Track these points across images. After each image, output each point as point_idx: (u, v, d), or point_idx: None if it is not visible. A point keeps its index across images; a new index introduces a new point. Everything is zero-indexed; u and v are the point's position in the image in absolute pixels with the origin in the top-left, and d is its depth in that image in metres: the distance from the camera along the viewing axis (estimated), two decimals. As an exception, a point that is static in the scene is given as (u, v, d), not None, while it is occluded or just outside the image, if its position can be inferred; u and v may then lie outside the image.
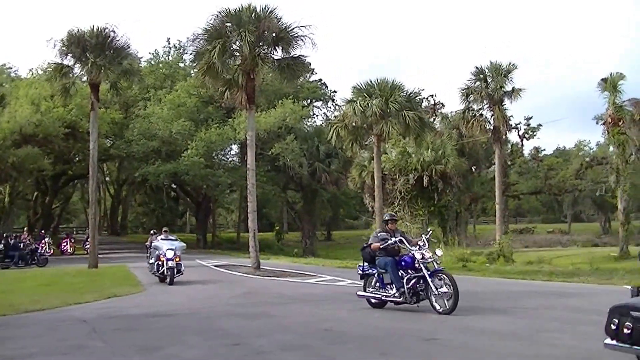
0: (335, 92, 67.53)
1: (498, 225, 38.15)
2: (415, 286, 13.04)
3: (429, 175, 39.20)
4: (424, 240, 13.41)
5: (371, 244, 14.08)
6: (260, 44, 28.71)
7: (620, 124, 39.47)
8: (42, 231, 44.72)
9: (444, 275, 12.76)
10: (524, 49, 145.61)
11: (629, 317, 6.79)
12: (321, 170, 52.43)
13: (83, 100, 42.42)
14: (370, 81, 34.89)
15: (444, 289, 12.56)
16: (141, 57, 52.30)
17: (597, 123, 45.25)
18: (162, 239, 23.09)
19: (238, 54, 28.86)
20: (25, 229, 46.41)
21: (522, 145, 64.74)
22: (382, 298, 13.75)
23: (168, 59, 60.18)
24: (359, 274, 14.68)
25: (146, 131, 48.87)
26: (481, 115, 38.32)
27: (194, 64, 33.37)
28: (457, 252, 35.24)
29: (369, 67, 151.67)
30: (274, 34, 28.45)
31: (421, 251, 13.07)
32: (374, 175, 35.20)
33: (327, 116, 64.57)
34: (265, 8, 28.01)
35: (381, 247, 13.72)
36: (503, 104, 37.40)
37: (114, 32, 33.23)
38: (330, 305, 15.32)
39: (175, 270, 21.48)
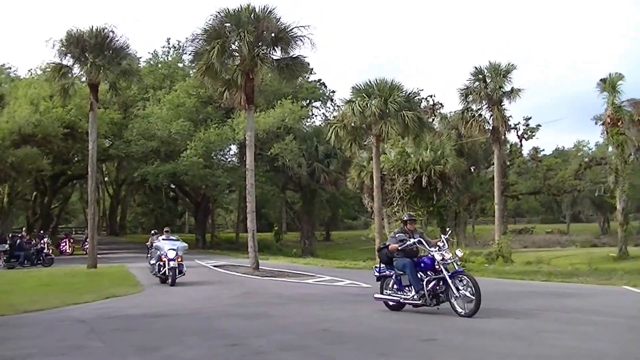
0: (334, 92, 67.65)
1: (497, 226, 38.18)
2: (435, 288, 12.70)
3: (427, 175, 39.18)
4: (443, 241, 13.05)
5: (388, 245, 13.78)
6: (259, 44, 28.74)
7: (619, 124, 39.47)
8: (41, 231, 44.69)
9: (465, 277, 12.46)
10: (523, 49, 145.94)
11: None
12: (320, 171, 52.42)
13: (82, 101, 42.43)
14: (369, 81, 34.92)
15: (465, 291, 12.21)
16: (140, 57, 52.47)
17: (596, 123, 45.30)
18: (163, 239, 22.79)
19: (237, 54, 28.89)
20: (24, 229, 46.39)
21: (521, 145, 64.84)
22: (401, 300, 13.38)
23: (167, 59, 60.20)
24: (375, 275, 14.29)
25: (145, 131, 48.87)
26: (480, 115, 38.32)
27: (193, 64, 33.37)
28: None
29: (369, 67, 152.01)
30: (273, 34, 28.47)
31: (441, 252, 12.72)
32: (373, 176, 35.21)
33: (326, 116, 64.61)
34: (264, 8, 28.05)
35: (400, 248, 13.36)
36: (502, 104, 37.41)
37: (113, 32, 33.30)
38: (329, 305, 15.31)
39: (177, 271, 21.22)
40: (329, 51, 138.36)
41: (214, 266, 31.71)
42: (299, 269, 29.72)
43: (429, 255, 12.96)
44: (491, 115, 37.61)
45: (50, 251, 37.52)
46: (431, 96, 59.58)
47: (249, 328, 11.72)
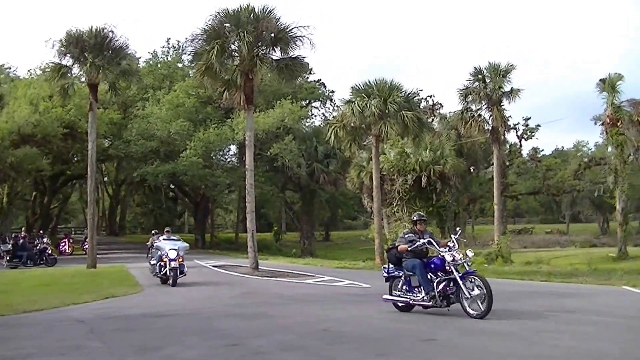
0: (333, 92, 67.68)
1: (496, 226, 38.19)
2: (446, 289, 12.48)
3: (427, 175, 39.25)
4: (453, 241, 12.82)
5: (397, 245, 13.54)
6: (259, 44, 28.76)
7: (618, 124, 39.46)
8: (41, 231, 44.69)
9: (476, 278, 12.23)
10: (523, 49, 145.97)
11: None
12: (319, 171, 52.42)
13: (82, 101, 42.44)
14: (369, 81, 35.04)
15: (477, 292, 12.00)
16: (140, 57, 52.50)
17: (595, 124, 45.35)
18: (164, 239, 22.54)
19: (236, 55, 28.91)
20: (23, 229, 46.41)
21: (521, 145, 64.81)
22: (410, 302, 13.20)
23: (167, 59, 60.18)
24: (384, 276, 14.12)
25: (145, 131, 48.88)
26: (479, 115, 38.33)
27: (193, 65, 33.40)
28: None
29: (369, 67, 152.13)
30: (272, 35, 28.48)
31: (451, 252, 12.49)
32: (373, 176, 35.29)
33: (325, 116, 64.65)
34: (263, 8, 28.07)
35: (409, 249, 13.13)
36: (501, 104, 37.42)
37: (112, 32, 33.34)
38: (328, 305, 15.31)
39: (178, 272, 20.95)
40: (329, 51, 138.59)
41: (214, 266, 31.70)
42: (299, 269, 29.73)
43: (439, 255, 12.75)
44: (490, 116, 37.62)
45: (50, 251, 37.51)
46: (430, 96, 59.73)
47: (249, 328, 11.71)
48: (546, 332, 10.52)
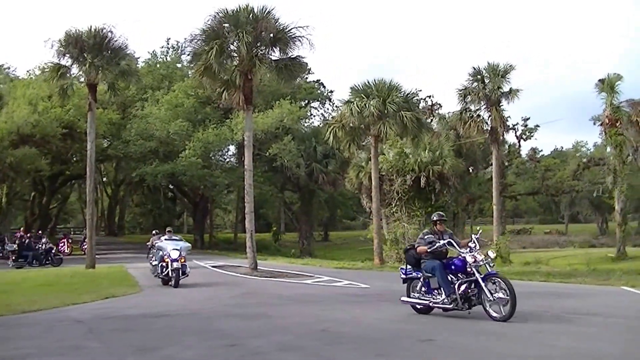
0: (332, 92, 67.65)
1: (495, 226, 38.21)
2: (467, 291, 12.13)
3: (426, 176, 39.15)
4: (474, 242, 12.44)
5: (416, 246, 13.21)
6: (258, 44, 28.76)
7: (617, 124, 39.49)
8: (40, 231, 44.67)
9: (499, 280, 11.90)
10: (523, 49, 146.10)
11: None
12: (318, 171, 52.41)
13: (81, 101, 42.44)
14: (368, 82, 35.06)
15: (500, 294, 11.65)
16: (139, 58, 52.48)
17: (594, 124, 45.32)
18: (166, 239, 22.18)
19: (235, 55, 28.89)
20: (21, 229, 46.40)
21: (520, 146, 64.79)
22: (430, 304, 12.83)
23: (166, 59, 60.16)
24: (402, 277, 13.64)
25: (144, 131, 48.89)
26: (478, 116, 38.36)
27: (192, 65, 33.39)
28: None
29: (369, 67, 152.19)
30: (271, 35, 28.48)
31: (472, 253, 12.18)
32: (371, 176, 35.29)
33: (324, 117, 64.62)
34: (262, 9, 28.06)
35: (429, 250, 12.75)
36: (500, 104, 37.44)
37: (111, 32, 33.37)
38: (327, 305, 15.30)
39: (180, 272, 20.56)
40: (329, 51, 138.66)
41: (213, 266, 31.70)
42: (298, 269, 29.73)
43: (460, 256, 12.46)
44: (489, 116, 37.65)
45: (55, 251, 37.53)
46: (430, 97, 59.62)
47: (248, 328, 11.72)
48: (545, 332, 10.53)
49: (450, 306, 12.29)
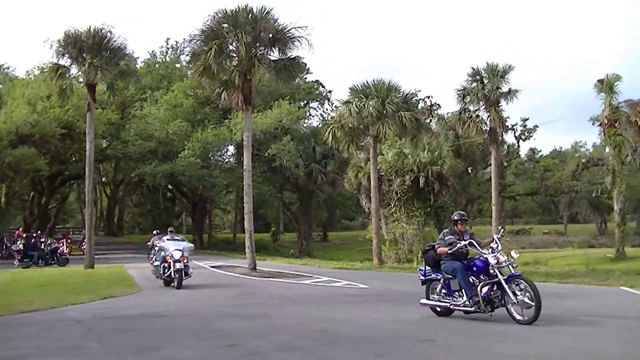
0: (330, 91, 67.67)
1: (494, 227, 38.11)
2: (489, 293, 11.73)
3: (425, 176, 39.19)
4: (496, 242, 12.06)
5: (436, 246, 12.83)
6: (257, 44, 28.77)
7: (616, 125, 39.46)
8: (39, 231, 44.64)
9: (522, 281, 11.49)
10: (523, 49, 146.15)
11: None
12: (317, 171, 52.40)
13: (80, 101, 42.41)
14: (367, 82, 35.07)
15: (524, 297, 11.25)
16: (138, 58, 52.44)
17: (593, 124, 45.31)
18: (168, 239, 21.84)
19: (234, 55, 28.90)
20: (20, 228, 46.35)
21: (519, 146, 64.82)
22: (450, 306, 12.39)
23: (165, 59, 60.11)
24: (421, 279, 13.25)
25: (143, 132, 48.90)
26: (477, 116, 38.29)
27: (191, 65, 33.37)
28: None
29: (369, 67, 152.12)
30: (270, 35, 28.48)
31: (495, 254, 11.78)
32: (370, 176, 35.31)
33: (323, 117, 64.63)
34: (261, 9, 28.07)
35: (450, 252, 12.37)
36: (499, 105, 37.39)
37: (110, 32, 33.38)
38: (326, 306, 15.30)
39: (183, 273, 20.23)
40: (329, 51, 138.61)
41: (212, 267, 31.72)
42: (297, 269, 29.74)
43: (482, 257, 12.08)
44: (488, 116, 37.59)
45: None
46: (429, 97, 59.62)
47: (247, 328, 11.72)
48: (544, 332, 10.53)
49: (472, 309, 11.93)
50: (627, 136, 39.79)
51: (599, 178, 52.93)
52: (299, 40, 28.45)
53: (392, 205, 39.32)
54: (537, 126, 61.11)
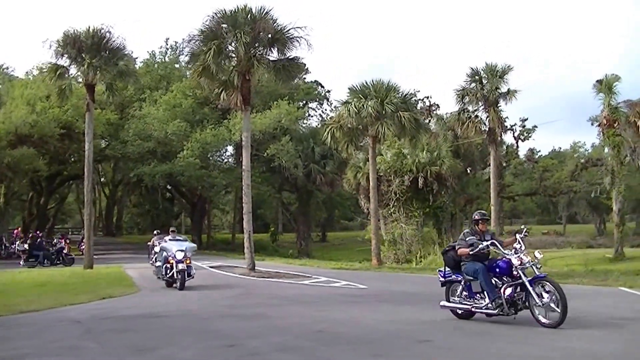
0: (329, 91, 67.70)
1: (493, 227, 38.16)
2: (513, 295, 11.32)
3: (424, 176, 39.20)
4: (519, 242, 11.61)
5: (457, 247, 12.37)
6: (256, 45, 28.75)
7: (615, 125, 39.42)
8: (37, 231, 44.62)
9: (547, 283, 11.15)
10: (523, 49, 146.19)
11: None
12: (316, 172, 52.41)
13: (79, 101, 42.37)
14: (366, 82, 35.08)
15: (549, 299, 10.92)
16: (137, 58, 52.42)
17: (592, 124, 45.27)
18: (170, 240, 21.74)
19: (233, 55, 28.88)
20: (19, 228, 46.30)
21: (518, 146, 64.72)
22: (472, 309, 12.00)
23: (165, 59, 60.05)
24: (440, 280, 12.85)
25: (141, 132, 48.87)
26: (476, 116, 38.37)
27: (190, 65, 33.36)
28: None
29: (369, 67, 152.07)
30: (269, 35, 28.46)
31: (518, 255, 11.37)
32: (369, 177, 35.29)
33: (322, 117, 64.66)
34: (260, 9, 28.04)
35: (471, 253, 11.91)
36: (498, 105, 37.45)
37: (109, 32, 33.39)
38: (325, 306, 15.30)
39: (185, 274, 20.03)
40: (329, 51, 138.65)
41: (210, 267, 31.70)
42: (295, 270, 29.74)
43: (504, 258, 11.66)
44: (487, 117, 37.65)
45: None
46: (428, 97, 59.56)
47: (245, 329, 11.73)
48: (544, 332, 10.53)
49: (495, 312, 11.54)
50: (626, 136, 39.74)
51: (598, 178, 52.87)
52: (298, 41, 28.45)
53: (391, 206, 39.32)
54: (536, 126, 61.02)
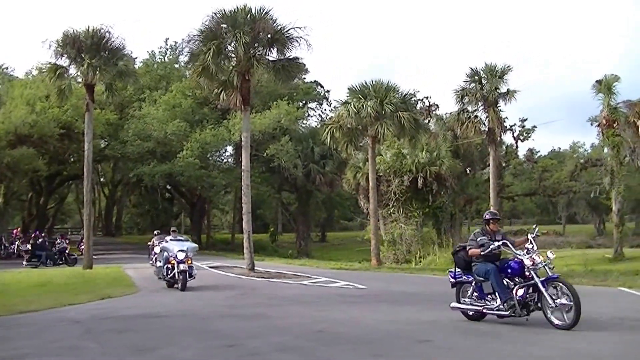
0: (328, 91, 67.74)
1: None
2: (525, 296, 11.12)
3: (423, 176, 39.23)
4: (531, 242, 11.46)
5: (467, 248, 12.20)
6: (255, 45, 28.73)
7: (614, 125, 39.42)
8: (37, 231, 44.58)
9: (560, 284, 10.93)
10: (523, 49, 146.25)
11: None
12: (316, 172, 52.40)
13: (78, 101, 42.34)
14: (365, 82, 35.10)
15: (562, 300, 10.71)
16: (136, 58, 52.38)
17: (591, 125, 45.26)
18: (171, 240, 21.59)
19: (233, 55, 28.86)
20: (18, 229, 46.28)
21: (517, 146, 64.66)
22: (483, 310, 11.85)
23: (164, 59, 60.00)
24: (451, 281, 12.70)
25: (141, 132, 48.83)
26: (476, 117, 38.30)
27: (189, 65, 33.35)
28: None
29: (369, 67, 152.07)
30: (269, 36, 28.45)
31: (530, 256, 11.19)
32: (369, 177, 35.31)
33: (322, 117, 64.69)
34: (260, 9, 28.02)
35: (482, 253, 11.77)
36: (498, 105, 37.40)
37: (109, 32, 33.36)
38: (324, 306, 15.30)
39: (187, 275, 19.79)
40: (329, 51, 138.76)
41: (210, 267, 31.65)
42: (295, 270, 29.72)
43: (516, 259, 11.49)
44: (487, 117, 37.60)
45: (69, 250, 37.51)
46: (427, 97, 59.53)
47: (245, 329, 11.72)
48: (544, 332, 10.54)
49: (507, 313, 11.35)
50: (626, 137, 39.75)
51: (597, 178, 52.87)
52: (297, 41, 28.43)
53: (391, 206, 39.35)
54: (535, 126, 60.99)
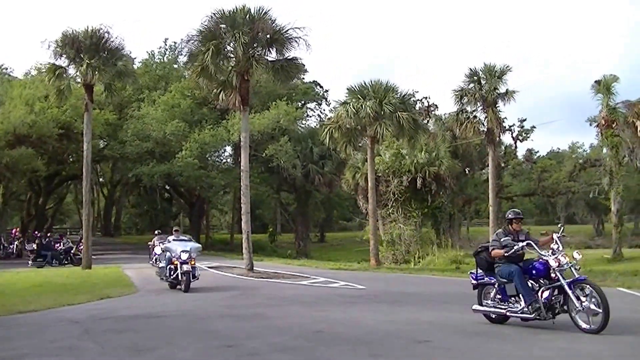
0: (327, 91, 67.78)
1: (491, 227, 38.09)
2: (551, 299, 10.75)
3: (422, 177, 39.26)
4: (557, 242, 11.04)
5: (490, 248, 11.88)
6: (255, 45, 28.70)
7: (613, 126, 39.43)
8: (36, 232, 44.58)
9: (587, 286, 10.54)
10: (523, 49, 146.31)
11: None
12: (315, 172, 52.39)
13: (77, 101, 42.30)
14: (364, 83, 35.14)
15: (589, 303, 10.30)
16: (135, 58, 52.33)
17: (590, 125, 45.32)
18: (174, 240, 20.97)
19: (232, 56, 28.85)
20: (18, 229, 46.24)
21: (516, 147, 64.71)
22: (507, 313, 11.43)
23: (163, 59, 59.96)
24: (472, 283, 12.37)
25: (140, 132, 48.79)
26: (475, 117, 38.30)
27: (188, 65, 33.34)
28: (451, 254, 35.47)
29: (368, 67, 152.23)
30: (268, 36, 28.44)
31: (556, 256, 10.80)
32: (368, 177, 35.32)
33: (321, 117, 64.71)
34: (259, 9, 28.01)
35: (506, 254, 11.45)
36: (497, 105, 37.40)
37: (108, 33, 33.33)
38: (323, 307, 15.29)
39: (190, 275, 19.42)
40: (329, 51, 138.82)
41: (209, 267, 31.61)
42: (294, 270, 29.70)
43: (541, 259, 11.13)
44: (486, 117, 37.60)
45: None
46: (426, 98, 59.58)
47: (243, 329, 11.71)
48: (543, 333, 10.54)
49: (532, 316, 10.92)
50: (625, 137, 39.76)
51: (596, 179, 52.85)
52: (296, 41, 28.43)
53: (390, 206, 39.37)
54: (534, 127, 61.09)
